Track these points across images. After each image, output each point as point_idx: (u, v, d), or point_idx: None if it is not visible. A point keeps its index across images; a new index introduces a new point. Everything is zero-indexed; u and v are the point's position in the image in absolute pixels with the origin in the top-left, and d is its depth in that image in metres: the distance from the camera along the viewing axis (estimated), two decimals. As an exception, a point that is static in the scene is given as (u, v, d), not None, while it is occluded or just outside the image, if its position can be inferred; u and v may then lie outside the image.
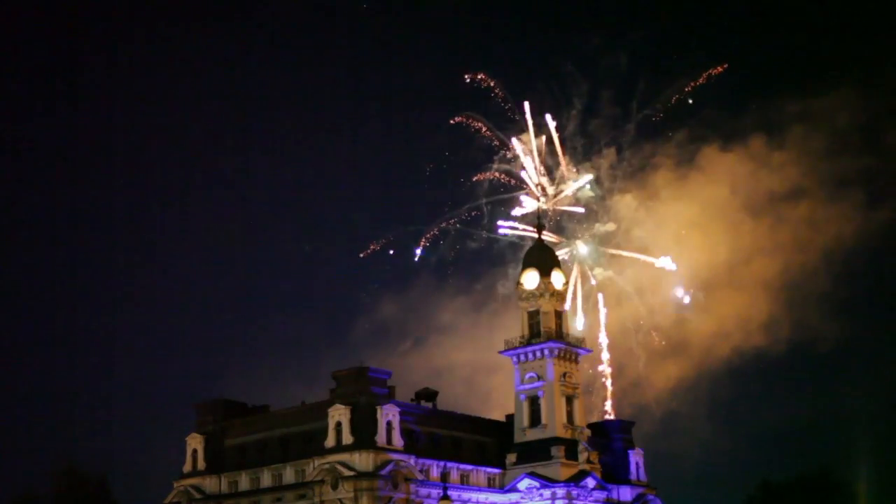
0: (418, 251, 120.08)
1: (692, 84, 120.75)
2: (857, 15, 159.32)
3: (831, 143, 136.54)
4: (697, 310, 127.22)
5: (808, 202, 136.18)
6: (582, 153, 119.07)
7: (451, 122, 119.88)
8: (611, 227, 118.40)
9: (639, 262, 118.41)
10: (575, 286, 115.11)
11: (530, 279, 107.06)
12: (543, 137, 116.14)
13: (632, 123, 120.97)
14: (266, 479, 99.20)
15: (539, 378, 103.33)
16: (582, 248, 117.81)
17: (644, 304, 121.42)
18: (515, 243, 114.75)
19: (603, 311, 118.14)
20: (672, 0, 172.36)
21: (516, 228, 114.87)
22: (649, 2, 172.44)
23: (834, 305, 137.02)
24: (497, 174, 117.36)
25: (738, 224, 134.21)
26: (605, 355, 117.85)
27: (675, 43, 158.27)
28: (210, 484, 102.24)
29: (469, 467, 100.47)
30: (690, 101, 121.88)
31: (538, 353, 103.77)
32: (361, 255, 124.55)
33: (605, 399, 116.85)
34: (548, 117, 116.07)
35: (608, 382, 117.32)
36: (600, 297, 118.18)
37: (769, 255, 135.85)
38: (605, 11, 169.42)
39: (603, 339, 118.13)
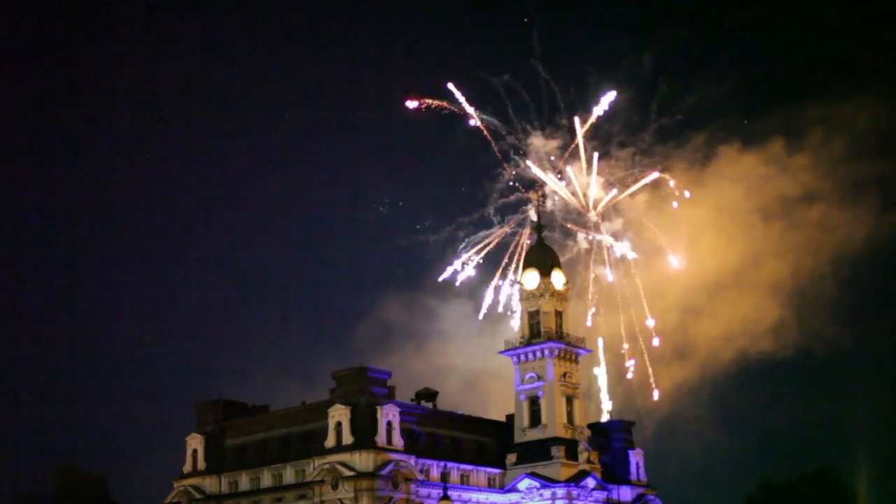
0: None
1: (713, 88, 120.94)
2: (879, 19, 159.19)
3: (850, 146, 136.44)
4: (704, 311, 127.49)
5: (822, 205, 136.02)
6: (597, 153, 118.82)
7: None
8: (619, 224, 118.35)
9: (644, 266, 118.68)
10: (576, 286, 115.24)
11: (530, 279, 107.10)
12: (555, 140, 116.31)
13: (650, 125, 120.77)
14: (266, 479, 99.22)
15: (539, 378, 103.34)
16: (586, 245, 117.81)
17: (649, 307, 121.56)
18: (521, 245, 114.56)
19: (606, 312, 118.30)
20: (695, 3, 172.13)
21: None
22: (673, 5, 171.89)
23: (841, 310, 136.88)
24: (508, 173, 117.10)
25: (751, 227, 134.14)
26: (607, 356, 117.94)
27: (697, 46, 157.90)
28: (210, 484, 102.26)
29: (469, 467, 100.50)
30: (710, 104, 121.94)
31: (538, 353, 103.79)
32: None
33: (605, 400, 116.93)
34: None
35: (608, 383, 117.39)
36: (592, 297, 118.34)
37: (779, 259, 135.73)
38: (631, 14, 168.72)
39: (606, 340, 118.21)
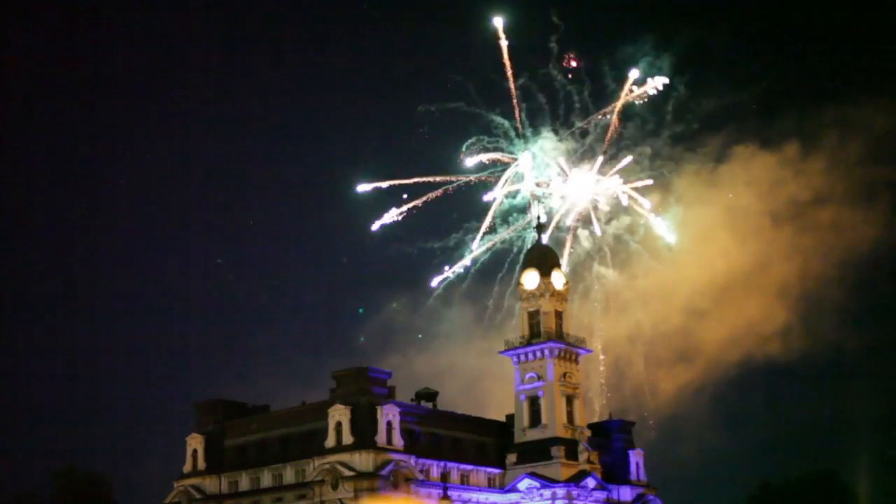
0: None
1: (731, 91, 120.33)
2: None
3: (866, 150, 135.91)
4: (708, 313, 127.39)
5: (833, 208, 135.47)
6: (612, 152, 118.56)
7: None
8: (626, 221, 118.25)
9: (650, 268, 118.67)
10: (580, 287, 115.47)
11: (530, 279, 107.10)
12: (566, 142, 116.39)
13: (665, 127, 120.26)
14: (266, 479, 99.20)
15: (539, 378, 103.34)
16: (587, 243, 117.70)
17: (653, 309, 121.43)
18: (521, 248, 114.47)
19: (608, 313, 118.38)
20: (714, 7, 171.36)
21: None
22: (692, 9, 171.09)
23: (847, 314, 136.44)
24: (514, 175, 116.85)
25: (761, 229, 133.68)
26: (609, 357, 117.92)
27: (715, 50, 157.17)
28: (210, 484, 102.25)
29: (469, 467, 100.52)
30: (727, 107, 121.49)
31: (538, 353, 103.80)
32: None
33: (606, 400, 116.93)
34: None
35: (608, 384, 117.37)
36: (596, 298, 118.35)
37: (787, 262, 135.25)
38: (650, 17, 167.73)
39: (608, 341, 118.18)
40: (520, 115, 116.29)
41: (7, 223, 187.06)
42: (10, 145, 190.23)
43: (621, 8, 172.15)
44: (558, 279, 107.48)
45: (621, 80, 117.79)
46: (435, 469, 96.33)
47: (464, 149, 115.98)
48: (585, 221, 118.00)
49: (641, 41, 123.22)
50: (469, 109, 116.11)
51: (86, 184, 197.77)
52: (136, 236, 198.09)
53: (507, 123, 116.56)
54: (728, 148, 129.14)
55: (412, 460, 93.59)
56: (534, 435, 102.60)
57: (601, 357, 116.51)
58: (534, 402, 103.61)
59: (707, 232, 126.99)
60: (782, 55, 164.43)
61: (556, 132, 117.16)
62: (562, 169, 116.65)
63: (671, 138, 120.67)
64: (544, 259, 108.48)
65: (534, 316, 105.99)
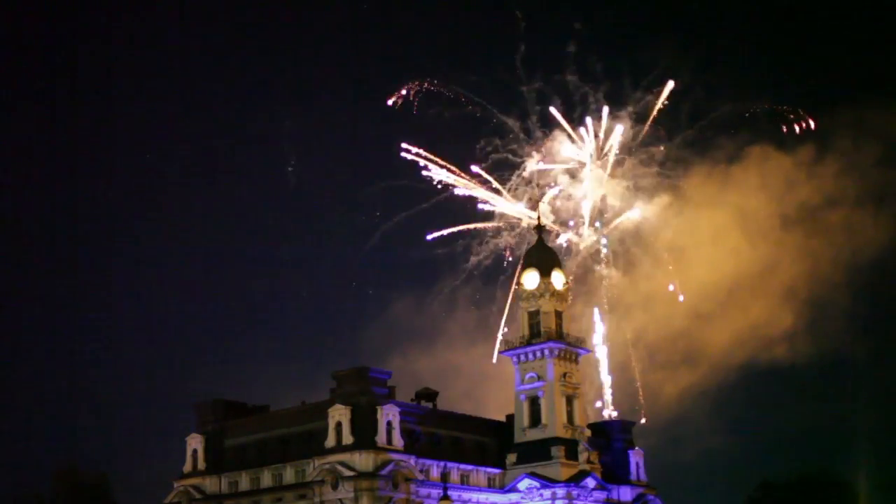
0: None
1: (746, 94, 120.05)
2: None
3: (880, 153, 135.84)
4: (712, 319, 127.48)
5: (844, 212, 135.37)
6: (623, 154, 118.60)
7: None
8: (632, 222, 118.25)
9: (655, 269, 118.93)
10: (584, 288, 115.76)
11: (530, 279, 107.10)
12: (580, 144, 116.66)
13: (681, 130, 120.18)
14: (266, 480, 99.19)
15: (539, 378, 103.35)
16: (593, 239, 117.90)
17: (657, 311, 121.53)
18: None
19: (611, 314, 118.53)
20: (732, 11, 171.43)
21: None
22: (708, 13, 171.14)
23: (853, 318, 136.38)
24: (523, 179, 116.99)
25: (770, 232, 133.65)
26: (610, 357, 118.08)
27: (731, 53, 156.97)
28: (210, 484, 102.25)
29: (469, 467, 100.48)
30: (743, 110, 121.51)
31: (538, 353, 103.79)
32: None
33: (607, 400, 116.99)
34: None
35: (610, 384, 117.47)
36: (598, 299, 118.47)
37: (796, 265, 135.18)
38: (668, 21, 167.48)
39: (610, 343, 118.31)
40: (532, 118, 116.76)
41: (7, 223, 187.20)
42: (9, 145, 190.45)
43: (641, 13, 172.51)
44: (558, 279, 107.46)
45: (641, 83, 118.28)
46: (435, 469, 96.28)
47: (476, 151, 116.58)
48: (591, 222, 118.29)
49: (661, 45, 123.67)
50: (481, 113, 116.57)
51: (88, 184, 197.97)
52: (136, 236, 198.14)
53: (518, 126, 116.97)
54: (741, 150, 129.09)
55: (412, 460, 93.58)
56: (534, 435, 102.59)
57: (600, 358, 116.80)
58: (534, 402, 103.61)
59: (716, 234, 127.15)
60: (798, 58, 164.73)
61: (569, 136, 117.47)
62: (569, 170, 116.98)
63: (684, 140, 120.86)
64: (544, 259, 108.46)
65: (534, 316, 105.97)
